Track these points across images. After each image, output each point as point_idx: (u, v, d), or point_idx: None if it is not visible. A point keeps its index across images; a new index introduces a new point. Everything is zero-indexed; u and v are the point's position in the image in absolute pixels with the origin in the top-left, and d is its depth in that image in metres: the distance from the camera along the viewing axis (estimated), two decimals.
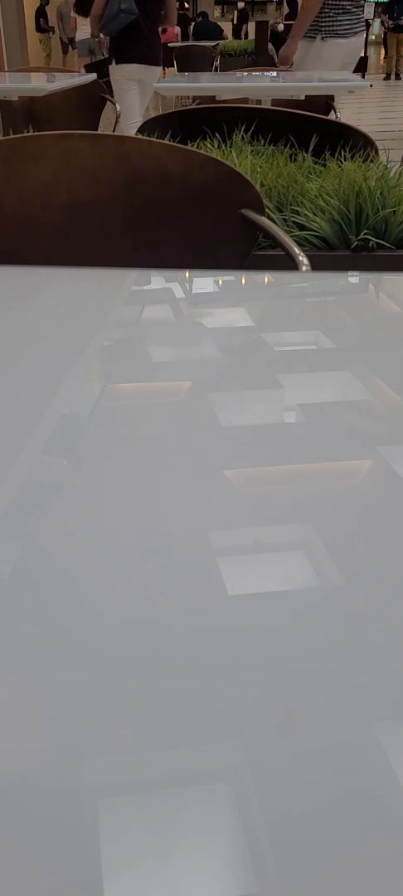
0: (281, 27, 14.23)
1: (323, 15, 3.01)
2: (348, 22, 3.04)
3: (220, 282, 0.76)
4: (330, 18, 3.02)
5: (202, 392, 0.50)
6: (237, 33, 16.35)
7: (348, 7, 3.00)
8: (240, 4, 17.38)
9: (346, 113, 2.70)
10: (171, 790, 0.23)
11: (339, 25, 3.00)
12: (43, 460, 0.41)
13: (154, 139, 1.23)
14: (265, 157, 1.92)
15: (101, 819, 0.22)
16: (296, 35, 3.16)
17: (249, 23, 16.11)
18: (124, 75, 3.77)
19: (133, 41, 3.68)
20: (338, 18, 2.99)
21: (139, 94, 3.84)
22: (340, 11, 2.98)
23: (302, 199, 1.69)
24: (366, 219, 1.60)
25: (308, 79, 2.82)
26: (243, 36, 15.74)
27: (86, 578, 0.32)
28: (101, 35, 3.78)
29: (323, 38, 3.08)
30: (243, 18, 16.80)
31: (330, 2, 2.97)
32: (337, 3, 2.97)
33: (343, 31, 3.07)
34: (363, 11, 3.14)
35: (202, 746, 0.25)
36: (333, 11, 2.98)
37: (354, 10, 3.04)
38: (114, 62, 3.77)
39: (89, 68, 3.81)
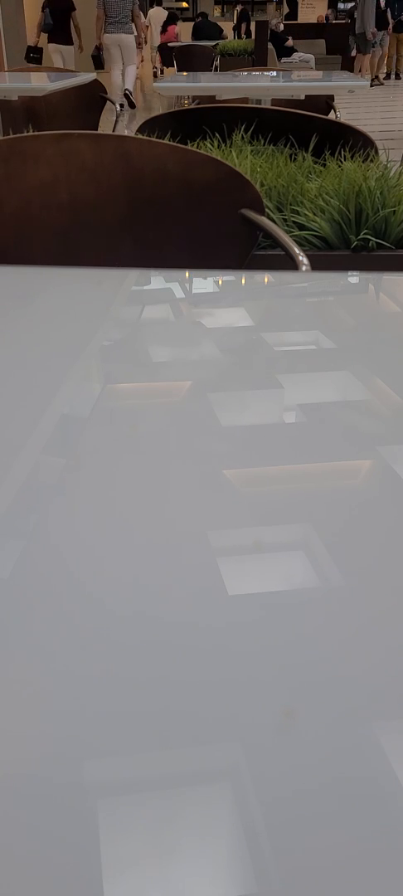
0: (281, 27, 14.22)
1: (105, 24, 8.72)
2: (112, 28, 8.81)
3: (220, 282, 0.76)
4: (106, 25, 8.77)
5: (202, 392, 0.50)
6: (237, 33, 16.34)
7: (113, 22, 8.81)
8: (239, 7, 17.36)
9: (346, 113, 2.75)
10: (171, 790, 0.23)
11: (106, 31, 8.82)
12: (43, 460, 0.41)
13: (154, 139, 1.23)
14: (265, 157, 1.92)
15: (102, 819, 0.22)
16: (98, 35, 9.06)
17: (250, 22, 16.15)
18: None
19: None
20: (109, 27, 8.85)
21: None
22: (108, 24, 8.83)
23: (302, 199, 1.69)
24: (366, 219, 1.60)
25: (308, 79, 2.93)
26: (243, 35, 15.74)
27: (85, 579, 0.32)
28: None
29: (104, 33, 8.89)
30: (243, 17, 16.78)
31: (109, 19, 8.76)
32: (108, 19, 8.79)
33: (108, 32, 8.77)
34: (122, 22, 8.89)
35: (202, 746, 0.25)
36: (106, 23, 8.77)
37: (115, 23, 8.82)
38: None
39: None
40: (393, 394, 0.50)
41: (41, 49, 9.49)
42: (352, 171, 1.68)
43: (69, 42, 9.60)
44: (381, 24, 13.60)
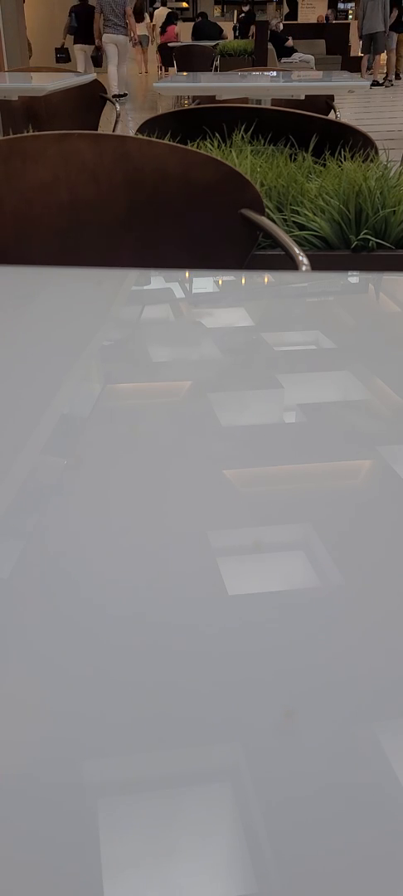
0: (281, 27, 14.23)
1: (103, 25, 10.57)
2: (109, 30, 10.44)
3: (220, 282, 0.76)
4: (103, 27, 10.43)
5: (202, 392, 0.50)
6: (244, 33, 16.31)
7: (109, 24, 10.42)
8: (245, 8, 17.39)
9: (346, 112, 2.75)
10: (171, 790, 0.23)
11: (104, 31, 10.39)
12: (43, 460, 0.41)
13: (154, 139, 1.23)
14: (265, 157, 1.92)
15: (101, 819, 0.22)
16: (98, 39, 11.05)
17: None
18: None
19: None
20: (107, 29, 10.41)
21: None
22: (105, 25, 10.54)
23: (302, 199, 1.69)
24: (366, 219, 1.60)
25: (308, 79, 2.96)
26: (250, 36, 15.76)
27: (86, 578, 0.32)
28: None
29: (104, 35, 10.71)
30: (249, 18, 16.73)
31: (106, 21, 10.50)
32: (106, 22, 10.51)
33: (107, 33, 10.33)
34: (117, 24, 10.55)
35: (202, 746, 0.25)
36: (104, 25, 10.56)
37: (112, 25, 10.49)
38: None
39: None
40: (393, 394, 0.49)
41: (67, 49, 11.28)
42: (352, 171, 1.68)
43: (91, 42, 11.50)
44: (395, 24, 13.64)
